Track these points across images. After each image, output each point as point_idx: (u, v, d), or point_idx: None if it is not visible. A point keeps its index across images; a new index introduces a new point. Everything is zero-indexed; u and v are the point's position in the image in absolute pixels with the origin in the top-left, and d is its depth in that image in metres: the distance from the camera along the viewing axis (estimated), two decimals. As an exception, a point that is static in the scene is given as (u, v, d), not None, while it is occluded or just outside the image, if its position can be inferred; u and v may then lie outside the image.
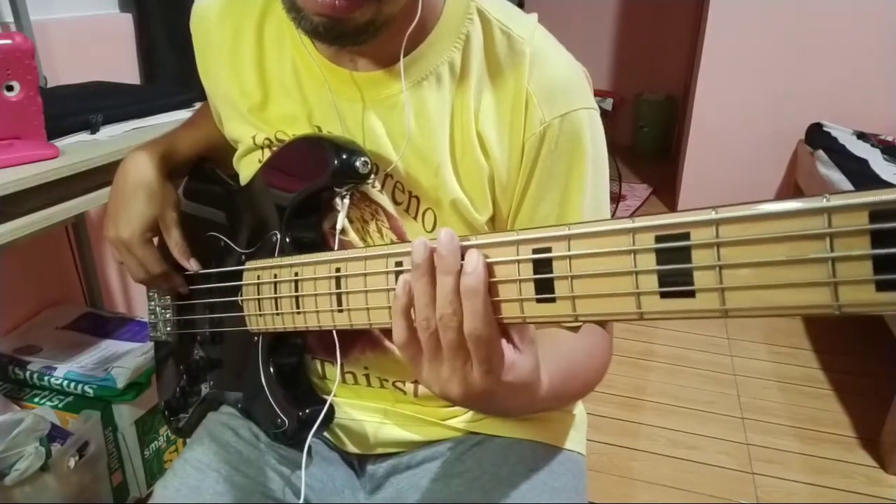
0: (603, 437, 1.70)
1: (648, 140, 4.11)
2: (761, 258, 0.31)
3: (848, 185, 2.10)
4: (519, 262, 0.40)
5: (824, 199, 0.29)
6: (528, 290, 0.40)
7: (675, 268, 0.33)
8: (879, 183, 2.08)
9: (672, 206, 3.19)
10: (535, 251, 0.40)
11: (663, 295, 0.34)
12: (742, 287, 0.31)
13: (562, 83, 0.62)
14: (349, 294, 0.52)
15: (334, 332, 0.63)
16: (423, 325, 0.44)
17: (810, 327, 2.23)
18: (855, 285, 0.28)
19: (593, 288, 0.37)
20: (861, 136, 2.54)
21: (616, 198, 3.23)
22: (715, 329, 2.19)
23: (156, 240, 0.76)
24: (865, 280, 0.28)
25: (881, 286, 0.28)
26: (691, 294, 0.33)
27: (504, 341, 0.45)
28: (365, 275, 0.50)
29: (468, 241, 0.43)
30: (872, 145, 2.45)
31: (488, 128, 0.61)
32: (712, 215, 0.32)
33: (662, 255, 0.34)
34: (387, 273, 0.48)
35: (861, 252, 0.28)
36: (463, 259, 0.42)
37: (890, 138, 2.54)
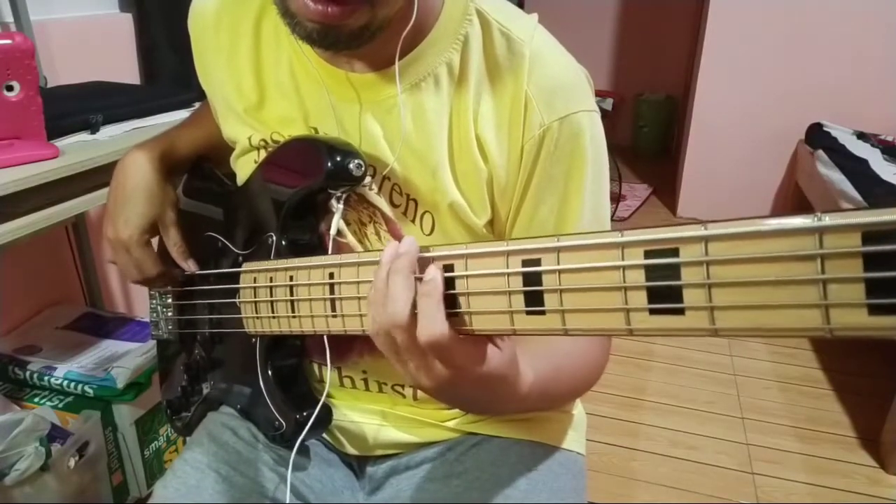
0: (603, 437, 1.70)
1: (648, 140, 4.10)
2: (751, 277, 0.30)
3: (848, 186, 2.10)
4: (508, 274, 0.40)
5: (816, 219, 0.28)
6: (518, 302, 0.40)
7: (664, 285, 0.33)
8: (879, 183, 2.08)
9: (672, 206, 3.18)
10: (524, 263, 0.39)
11: (652, 311, 0.33)
12: (732, 307, 0.30)
13: (561, 85, 0.61)
14: (343, 300, 0.52)
15: (325, 336, 0.63)
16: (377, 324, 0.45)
17: (810, 327, 2.22)
18: (847, 308, 0.27)
19: (583, 302, 0.37)
20: (861, 136, 2.54)
21: (616, 198, 3.22)
22: (715, 329, 2.18)
23: (154, 239, 0.76)
24: (857, 304, 0.27)
25: (874, 310, 0.27)
26: (681, 312, 0.32)
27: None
28: (358, 282, 0.50)
29: (458, 251, 0.43)
30: (872, 145, 2.44)
31: (487, 130, 0.61)
32: (702, 231, 0.31)
33: (651, 272, 0.33)
34: None
35: (853, 275, 0.27)
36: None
37: (890, 138, 2.54)
